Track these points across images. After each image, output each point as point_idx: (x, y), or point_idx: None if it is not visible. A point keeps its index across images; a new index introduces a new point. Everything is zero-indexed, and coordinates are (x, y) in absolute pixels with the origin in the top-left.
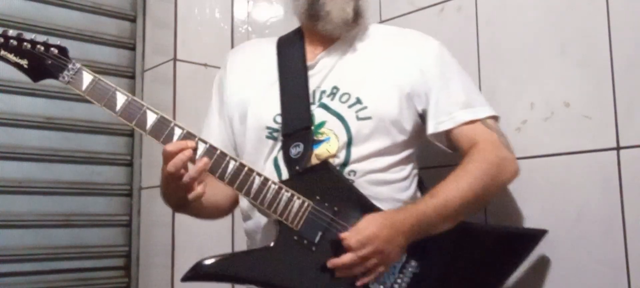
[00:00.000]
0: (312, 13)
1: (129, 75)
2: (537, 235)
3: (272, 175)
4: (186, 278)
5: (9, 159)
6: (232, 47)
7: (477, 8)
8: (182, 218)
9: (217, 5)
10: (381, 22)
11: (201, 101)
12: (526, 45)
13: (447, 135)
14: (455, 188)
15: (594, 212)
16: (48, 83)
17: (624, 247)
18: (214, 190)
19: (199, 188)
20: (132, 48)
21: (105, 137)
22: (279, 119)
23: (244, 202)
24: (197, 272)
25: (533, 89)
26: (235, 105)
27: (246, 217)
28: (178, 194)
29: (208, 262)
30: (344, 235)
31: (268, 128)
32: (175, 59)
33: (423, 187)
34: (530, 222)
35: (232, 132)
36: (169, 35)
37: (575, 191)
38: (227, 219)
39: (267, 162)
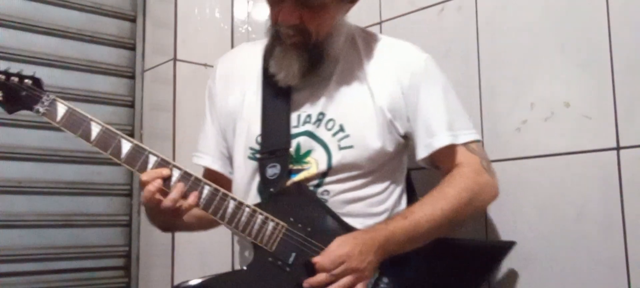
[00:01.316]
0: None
1: (129, 75)
2: (505, 247)
3: (256, 199)
4: None
5: (9, 159)
6: (232, 47)
7: (477, 8)
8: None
9: (217, 5)
10: (381, 22)
11: (201, 101)
12: (526, 45)
13: (429, 156)
14: (427, 211)
15: (594, 212)
16: (48, 83)
17: (624, 247)
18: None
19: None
20: (132, 48)
21: None
22: (260, 140)
23: None
24: None
25: (533, 89)
26: (225, 118)
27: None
28: (160, 218)
29: (189, 284)
30: (315, 259)
31: (251, 149)
32: (175, 59)
33: (412, 187)
34: (530, 222)
35: (225, 142)
36: (169, 35)
37: (575, 191)
38: None
39: (252, 185)
